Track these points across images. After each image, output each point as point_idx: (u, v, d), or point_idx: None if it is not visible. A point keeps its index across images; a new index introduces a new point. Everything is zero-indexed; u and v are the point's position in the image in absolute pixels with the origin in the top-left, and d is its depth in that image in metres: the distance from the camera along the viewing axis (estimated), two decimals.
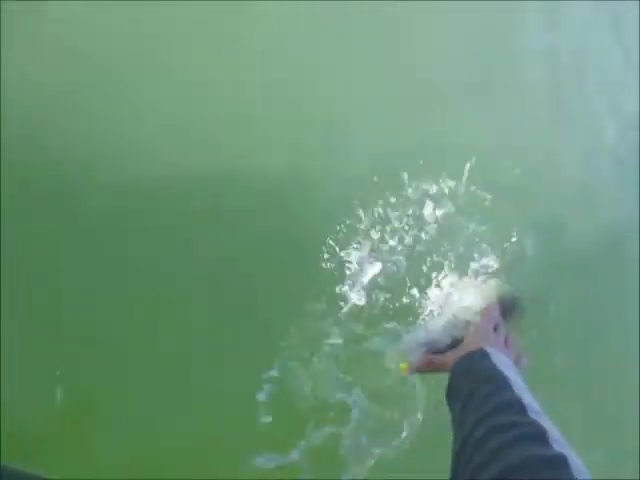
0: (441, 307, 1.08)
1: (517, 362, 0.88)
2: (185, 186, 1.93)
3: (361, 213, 1.80)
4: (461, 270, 1.47)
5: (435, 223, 1.75)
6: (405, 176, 1.86)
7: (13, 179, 1.83)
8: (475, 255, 1.62)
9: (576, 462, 0.54)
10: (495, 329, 0.93)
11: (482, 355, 0.79)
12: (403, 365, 1.03)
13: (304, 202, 1.93)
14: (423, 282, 1.53)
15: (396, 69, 2.18)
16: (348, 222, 1.80)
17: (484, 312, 0.98)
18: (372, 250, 1.69)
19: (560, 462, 0.54)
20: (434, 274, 1.27)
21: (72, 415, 1.61)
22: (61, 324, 1.75)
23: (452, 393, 0.79)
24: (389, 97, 2.13)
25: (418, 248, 1.73)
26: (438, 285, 1.14)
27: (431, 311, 1.11)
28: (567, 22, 2.44)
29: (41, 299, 1.76)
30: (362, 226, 1.78)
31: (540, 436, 0.58)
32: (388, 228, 1.76)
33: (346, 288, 1.68)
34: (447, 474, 0.66)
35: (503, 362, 0.77)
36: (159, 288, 1.84)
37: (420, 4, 2.22)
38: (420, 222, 1.78)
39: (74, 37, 2.11)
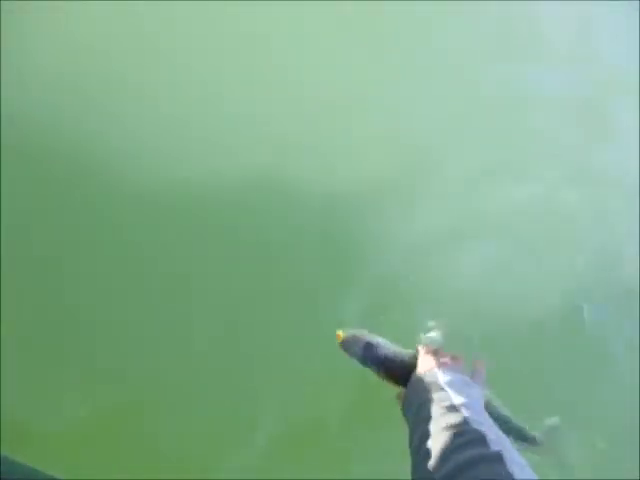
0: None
1: (475, 373, 0.99)
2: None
3: None
4: None
5: None
6: None
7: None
8: None
9: (512, 457, 0.68)
10: (434, 354, 1.00)
11: (431, 376, 0.90)
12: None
13: None
14: None
15: None
16: None
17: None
18: None
19: (496, 458, 0.67)
20: None
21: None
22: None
23: (405, 409, 0.92)
24: None
25: None
26: None
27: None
28: None
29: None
30: None
31: (480, 440, 0.71)
32: None
33: None
34: None
35: (450, 380, 0.87)
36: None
37: None
38: None
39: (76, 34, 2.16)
